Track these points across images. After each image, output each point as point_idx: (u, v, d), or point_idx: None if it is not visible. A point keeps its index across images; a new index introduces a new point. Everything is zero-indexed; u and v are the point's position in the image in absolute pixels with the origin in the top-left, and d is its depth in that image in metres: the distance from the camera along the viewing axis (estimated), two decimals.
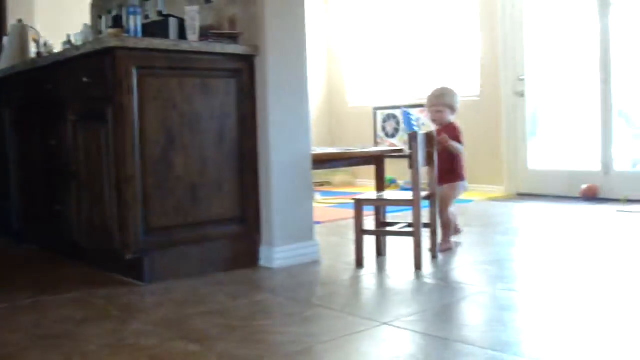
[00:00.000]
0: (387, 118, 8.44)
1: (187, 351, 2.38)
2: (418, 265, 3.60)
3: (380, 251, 4.07)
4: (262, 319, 2.79)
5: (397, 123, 8.29)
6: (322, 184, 8.63)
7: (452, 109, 4.27)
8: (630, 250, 4.05)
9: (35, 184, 4.38)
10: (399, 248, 4.14)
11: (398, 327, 2.59)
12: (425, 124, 7.93)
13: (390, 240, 4.22)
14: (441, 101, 4.25)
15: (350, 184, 8.79)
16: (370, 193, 4.19)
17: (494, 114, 7.36)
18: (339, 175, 8.77)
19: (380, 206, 4.18)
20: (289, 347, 2.40)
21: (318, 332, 2.59)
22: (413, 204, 3.64)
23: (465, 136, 7.47)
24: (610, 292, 3.14)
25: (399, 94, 8.36)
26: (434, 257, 3.87)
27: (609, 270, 3.53)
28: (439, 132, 4.19)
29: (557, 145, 7.41)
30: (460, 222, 4.43)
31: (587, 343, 2.35)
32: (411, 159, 3.64)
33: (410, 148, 3.65)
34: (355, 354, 2.33)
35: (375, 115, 8.65)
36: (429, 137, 3.88)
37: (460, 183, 4.24)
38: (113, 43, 3.33)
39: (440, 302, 2.97)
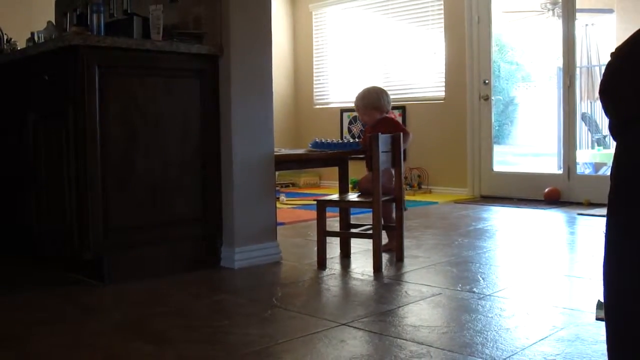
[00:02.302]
0: (354, 120, 8.47)
1: (144, 352, 2.38)
2: (377, 267, 3.61)
3: (345, 252, 4.09)
4: (221, 320, 2.79)
5: (364, 125, 8.32)
6: (287, 185, 8.64)
7: (378, 108, 4.29)
8: (587, 253, 4.12)
9: None
10: (365, 249, 4.16)
11: (356, 328, 2.61)
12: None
13: (357, 241, 4.24)
14: (365, 103, 4.31)
15: (315, 185, 8.81)
16: (334, 194, 4.20)
17: (459, 117, 7.42)
18: (304, 176, 8.78)
19: (343, 208, 4.20)
20: (246, 347, 2.40)
21: (276, 332, 2.59)
22: (373, 206, 3.66)
23: (430, 139, 7.58)
24: (567, 292, 3.19)
25: None
26: (399, 260, 3.89)
27: (566, 271, 3.59)
28: (370, 129, 4.27)
29: (521, 149, 7.51)
30: (423, 224, 4.46)
31: (545, 344, 2.38)
32: (371, 160, 3.65)
33: (371, 149, 3.66)
34: (312, 354, 2.34)
35: (341, 116, 8.68)
36: (394, 139, 3.89)
37: None
38: (75, 41, 3.30)
39: (399, 303, 2.99)
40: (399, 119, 7.99)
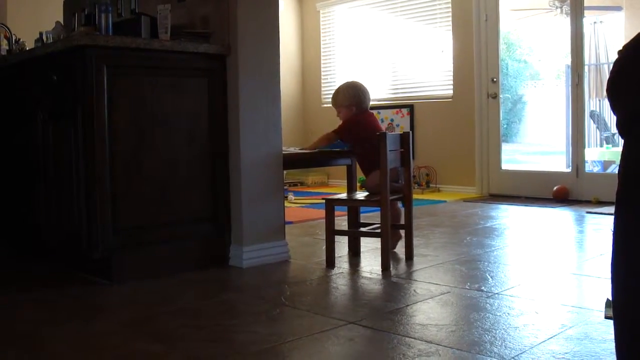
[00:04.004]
0: None
1: (152, 351, 2.38)
2: (385, 266, 3.61)
3: (354, 251, 4.09)
4: (229, 318, 2.79)
5: None
6: (295, 184, 8.64)
7: (348, 106, 4.19)
8: (596, 251, 4.10)
9: (2, 182, 4.34)
10: (374, 248, 4.16)
11: (364, 326, 2.61)
12: (400, 124, 7.98)
13: (366, 240, 4.24)
14: (336, 102, 4.25)
15: (323, 184, 8.81)
16: (342, 193, 4.21)
17: (467, 115, 7.41)
18: (312, 175, 8.79)
19: (352, 206, 4.20)
20: (254, 346, 2.40)
21: (284, 331, 2.60)
22: (381, 204, 3.65)
23: (438, 137, 7.57)
24: (576, 291, 3.19)
25: (374, 94, 8.40)
26: (407, 258, 3.89)
27: (575, 270, 3.58)
28: None
29: (529, 147, 7.50)
30: (432, 222, 4.46)
31: (554, 343, 2.38)
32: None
33: (379, 148, 3.65)
34: (320, 352, 2.34)
35: None
36: (403, 137, 3.88)
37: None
38: (83, 41, 3.31)
39: (408, 302, 2.99)
40: (407, 118, 7.98)
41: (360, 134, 4.10)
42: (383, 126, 7.93)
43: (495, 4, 7.21)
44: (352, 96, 4.19)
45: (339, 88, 4.29)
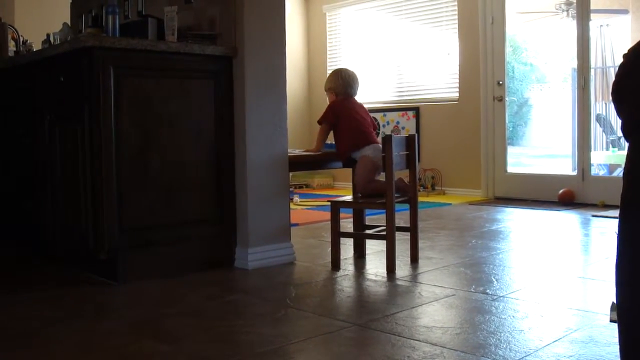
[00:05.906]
0: None
1: (158, 351, 2.39)
2: (391, 268, 3.62)
3: (359, 253, 4.10)
4: (234, 319, 2.80)
5: (378, 125, 8.32)
6: (301, 186, 8.65)
7: (331, 89, 4.20)
8: (601, 254, 4.10)
9: (9, 183, 4.36)
10: (379, 250, 4.16)
11: (370, 329, 2.61)
12: (405, 127, 7.98)
13: (371, 242, 4.24)
14: (325, 88, 4.27)
15: (329, 187, 8.81)
16: (348, 196, 4.21)
17: (473, 118, 7.41)
18: (318, 177, 8.79)
19: (357, 209, 4.20)
20: (259, 347, 2.41)
21: (289, 332, 2.60)
22: (386, 207, 3.65)
23: (444, 140, 7.56)
24: (581, 294, 3.18)
25: (380, 96, 8.41)
26: (413, 261, 3.89)
27: (580, 273, 3.57)
28: None
29: (535, 150, 7.49)
30: (437, 225, 4.45)
31: (558, 346, 2.38)
32: (384, 162, 3.65)
33: (384, 151, 3.66)
34: (325, 354, 2.34)
35: None
36: (408, 140, 3.88)
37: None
38: (90, 42, 3.32)
39: (413, 304, 2.99)
40: (413, 120, 7.98)
41: (341, 114, 4.08)
42: (388, 128, 7.95)
43: (501, 6, 7.21)
44: (335, 82, 4.18)
45: (332, 72, 4.31)
